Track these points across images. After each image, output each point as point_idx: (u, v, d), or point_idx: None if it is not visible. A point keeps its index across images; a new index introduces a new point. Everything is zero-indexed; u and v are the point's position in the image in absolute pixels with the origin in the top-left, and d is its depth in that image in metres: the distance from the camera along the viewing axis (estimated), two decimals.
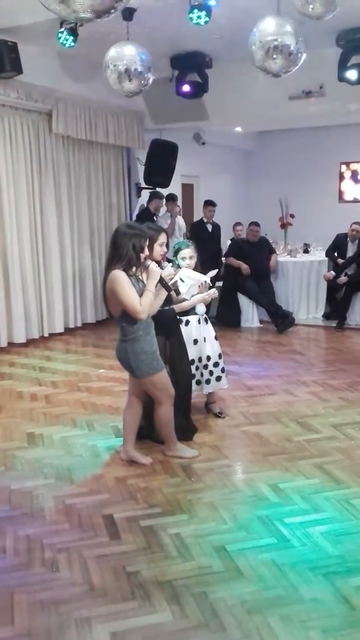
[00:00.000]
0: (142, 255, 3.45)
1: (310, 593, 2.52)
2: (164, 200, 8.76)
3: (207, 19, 5.05)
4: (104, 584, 2.61)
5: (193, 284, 4.10)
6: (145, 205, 9.15)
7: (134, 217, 8.97)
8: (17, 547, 2.91)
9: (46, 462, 3.87)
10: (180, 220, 9.16)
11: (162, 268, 3.69)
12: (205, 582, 2.60)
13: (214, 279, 4.34)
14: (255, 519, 3.12)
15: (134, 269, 3.45)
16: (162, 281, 3.55)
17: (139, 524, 3.08)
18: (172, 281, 3.82)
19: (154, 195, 8.69)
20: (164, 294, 3.64)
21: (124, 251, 3.38)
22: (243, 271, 7.98)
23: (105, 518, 3.15)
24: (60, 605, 2.47)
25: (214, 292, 4.36)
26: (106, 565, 2.74)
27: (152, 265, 3.51)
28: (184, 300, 4.15)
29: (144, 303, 3.41)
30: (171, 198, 8.96)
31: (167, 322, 3.90)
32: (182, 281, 4.08)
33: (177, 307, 4.14)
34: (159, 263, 3.81)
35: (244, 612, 2.40)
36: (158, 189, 8.92)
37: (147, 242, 3.49)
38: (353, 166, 11.46)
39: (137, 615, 2.41)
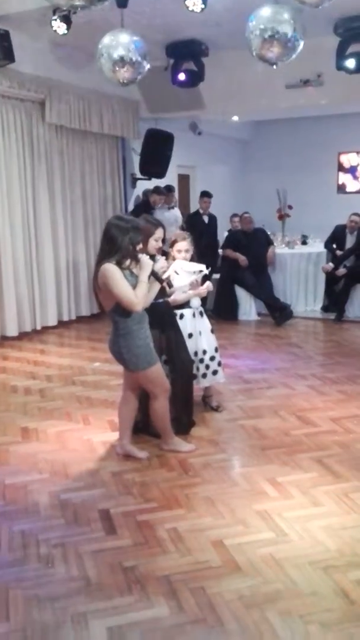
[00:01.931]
0: (137, 249, 3.40)
1: (308, 587, 2.50)
2: (163, 196, 8.68)
3: (203, 6, 4.97)
4: (100, 579, 2.59)
5: (187, 284, 4.05)
6: (142, 196, 9.10)
7: (130, 208, 8.91)
8: (12, 542, 2.88)
9: (41, 457, 3.83)
10: (177, 212, 9.10)
11: (155, 261, 3.64)
12: (203, 577, 2.58)
13: (210, 271, 4.29)
14: (253, 513, 3.09)
15: (127, 262, 3.40)
16: (154, 273, 3.50)
17: (136, 519, 3.05)
18: (167, 274, 3.77)
19: (154, 191, 8.61)
20: (156, 286, 3.59)
21: (119, 244, 3.34)
22: (241, 263, 7.93)
23: (101, 513, 3.12)
24: (56, 600, 2.45)
25: (209, 285, 4.31)
26: (102, 560, 2.72)
27: (144, 257, 3.46)
28: (174, 292, 4.10)
29: (139, 294, 3.36)
30: (168, 189, 8.90)
31: (161, 315, 3.86)
32: (177, 274, 4.03)
33: (171, 301, 4.09)
34: (152, 257, 3.76)
35: (242, 607, 2.38)
36: (155, 181, 8.86)
37: (142, 236, 3.44)
38: (351, 157, 11.40)
39: (134, 610, 2.39)
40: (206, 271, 4.20)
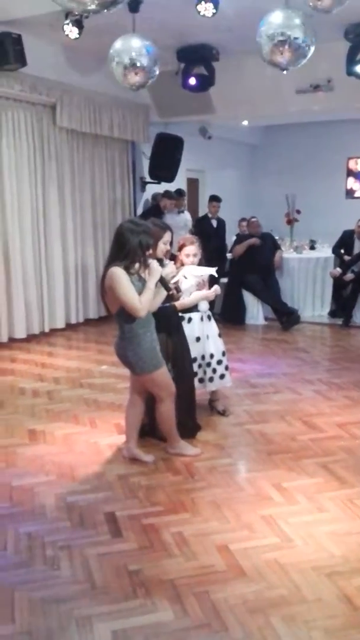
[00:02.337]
0: (148, 254, 3.41)
1: (313, 593, 2.49)
2: (174, 200, 8.70)
3: (214, 10, 5.00)
4: (106, 582, 2.59)
5: (193, 284, 4.06)
6: (151, 200, 9.11)
7: (139, 212, 8.93)
8: (18, 544, 2.89)
9: (48, 459, 3.85)
10: (187, 215, 9.11)
11: (163, 266, 3.65)
12: (208, 582, 2.58)
13: (217, 275, 4.29)
14: (258, 518, 3.09)
15: (136, 266, 3.41)
16: (162, 280, 3.51)
17: (141, 522, 3.06)
18: (175, 279, 3.78)
19: (165, 195, 8.63)
20: (163, 293, 3.60)
21: (130, 249, 3.34)
22: (253, 242, 7.90)
23: (107, 516, 3.13)
24: (61, 603, 2.46)
25: (216, 289, 4.32)
26: (108, 563, 2.72)
27: (153, 263, 3.46)
28: (183, 297, 4.11)
29: (144, 300, 3.37)
30: (178, 193, 8.92)
31: (168, 320, 3.86)
32: (186, 278, 4.04)
33: (179, 305, 4.10)
34: (160, 261, 3.76)
35: (246, 612, 2.38)
36: (164, 185, 8.87)
37: (153, 240, 3.45)
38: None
39: (139, 614, 2.39)
40: (215, 274, 4.20)
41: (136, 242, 3.33)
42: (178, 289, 3.84)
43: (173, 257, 4.24)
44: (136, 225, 3.43)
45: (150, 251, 3.48)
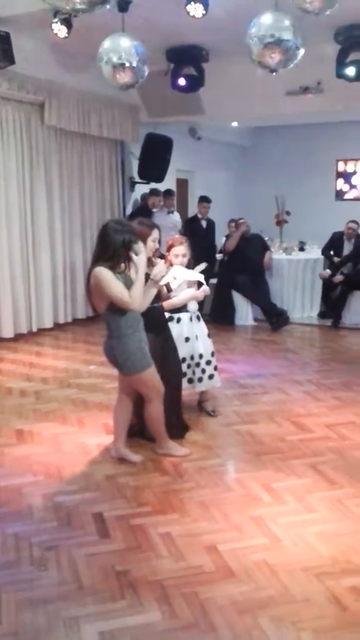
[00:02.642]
0: (131, 252, 3.40)
1: (302, 594, 2.49)
2: (161, 197, 8.71)
3: (204, 11, 5.00)
4: (93, 583, 2.57)
5: (182, 284, 4.06)
6: (140, 200, 9.10)
7: (128, 212, 8.91)
8: (5, 545, 2.87)
9: (35, 459, 3.82)
10: (176, 216, 9.11)
11: (153, 265, 3.64)
12: (196, 582, 2.57)
13: (207, 276, 4.30)
14: (247, 518, 3.08)
15: (122, 266, 3.40)
16: (147, 276, 3.50)
17: (129, 523, 3.04)
18: (165, 281, 3.78)
19: (152, 192, 8.64)
20: (153, 290, 3.60)
21: (113, 248, 3.34)
22: (245, 232, 7.90)
23: (95, 516, 3.11)
24: (49, 604, 2.44)
25: (206, 289, 4.31)
26: (95, 564, 2.70)
27: (137, 257, 3.45)
28: (174, 297, 4.10)
29: (134, 294, 3.37)
30: (168, 193, 8.92)
31: (155, 319, 3.85)
32: (175, 279, 4.03)
33: (167, 305, 4.09)
34: (149, 260, 3.77)
35: (234, 613, 2.37)
36: (154, 185, 8.87)
37: (138, 240, 3.44)
38: (349, 164, 11.43)
39: (126, 615, 2.37)
40: (203, 280, 4.20)
41: (120, 241, 3.33)
42: (169, 289, 3.83)
43: (162, 257, 4.23)
44: (120, 225, 3.45)
45: (132, 252, 3.47)
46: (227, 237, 8.83)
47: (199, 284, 4.32)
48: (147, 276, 3.56)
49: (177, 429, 4.09)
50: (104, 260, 3.36)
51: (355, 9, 5.71)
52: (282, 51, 4.39)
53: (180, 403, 4.19)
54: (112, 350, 3.52)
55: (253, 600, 2.45)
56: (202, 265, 4.27)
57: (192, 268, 4.24)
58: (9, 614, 2.38)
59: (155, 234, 3.77)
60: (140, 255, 3.46)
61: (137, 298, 3.40)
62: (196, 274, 4.16)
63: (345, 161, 11.46)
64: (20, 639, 2.26)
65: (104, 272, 3.33)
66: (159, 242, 3.89)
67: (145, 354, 3.53)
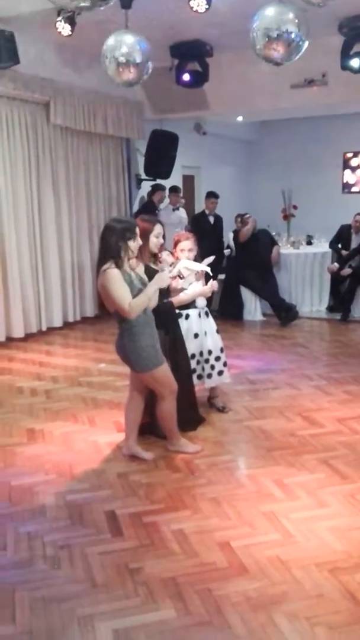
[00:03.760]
0: (134, 245, 3.40)
1: (315, 589, 2.48)
2: (167, 192, 8.70)
3: (207, 6, 4.97)
4: (107, 580, 2.58)
5: (190, 274, 4.05)
6: (146, 197, 9.09)
7: (135, 210, 8.91)
8: (18, 544, 2.88)
9: (47, 458, 3.83)
10: (182, 213, 9.09)
11: (160, 260, 3.65)
12: (209, 579, 2.57)
13: (215, 272, 4.29)
14: (259, 514, 3.08)
15: (126, 262, 3.41)
16: (165, 291, 3.52)
17: (142, 520, 3.05)
18: (173, 272, 3.77)
19: (157, 187, 8.64)
20: (156, 296, 3.60)
21: (111, 246, 3.35)
22: (254, 222, 7.87)
23: (107, 514, 3.12)
24: (62, 602, 2.45)
25: (214, 284, 4.29)
26: (108, 562, 2.71)
27: (163, 274, 3.49)
28: (182, 289, 4.09)
29: (134, 304, 3.36)
30: (174, 190, 8.90)
31: (166, 316, 3.85)
32: (182, 278, 4.01)
33: (176, 301, 4.08)
34: (155, 255, 3.78)
35: (248, 609, 2.37)
36: (159, 181, 8.85)
37: (136, 234, 3.43)
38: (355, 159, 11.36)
39: (140, 612, 2.38)
40: (209, 271, 4.19)
41: (113, 238, 3.35)
42: (181, 276, 3.82)
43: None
44: (119, 222, 3.48)
45: (140, 243, 3.47)
46: (235, 232, 8.80)
47: (206, 279, 4.31)
48: (155, 272, 3.57)
49: (190, 422, 4.10)
50: (108, 259, 3.37)
51: (358, 0, 5.66)
52: (286, 44, 4.34)
53: (194, 397, 4.21)
54: (124, 348, 3.52)
55: (267, 596, 2.45)
56: (210, 259, 4.26)
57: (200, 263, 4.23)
58: (23, 613, 2.39)
59: (157, 229, 3.75)
60: (159, 275, 3.47)
61: (137, 309, 3.38)
62: (203, 265, 4.14)
63: (355, 154, 11.37)
64: (35, 638, 2.27)
65: (112, 273, 3.34)
66: (164, 237, 3.87)
67: (157, 351, 3.53)
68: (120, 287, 3.33)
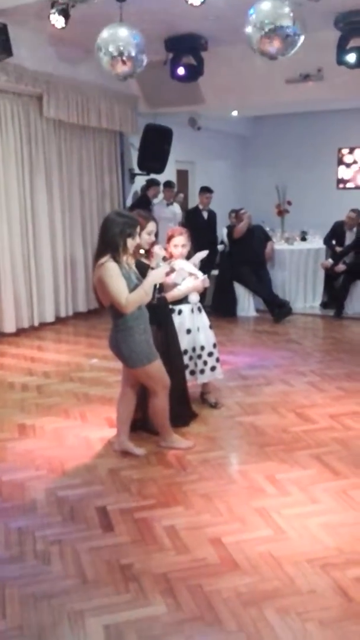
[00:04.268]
0: (132, 243, 3.38)
1: (307, 585, 2.48)
2: (161, 187, 8.67)
3: None
4: (97, 576, 2.57)
5: (185, 277, 4.05)
6: (140, 192, 9.06)
7: (128, 204, 8.87)
8: (9, 539, 2.87)
9: (38, 454, 3.82)
10: (176, 208, 9.07)
11: (152, 255, 3.64)
12: (201, 575, 2.56)
13: (208, 267, 4.28)
14: (251, 510, 3.07)
15: (124, 257, 3.39)
16: (159, 287, 3.51)
17: (133, 516, 3.04)
18: (165, 269, 3.76)
19: (151, 182, 8.60)
20: (150, 290, 3.58)
21: (112, 239, 3.33)
22: (249, 217, 7.85)
23: (98, 510, 3.11)
24: (53, 598, 2.44)
25: (205, 280, 4.27)
26: (99, 557, 2.70)
27: (159, 269, 3.47)
28: (175, 285, 4.08)
29: (131, 298, 3.34)
30: (168, 185, 8.87)
31: (159, 311, 3.84)
32: (175, 269, 4.00)
33: (169, 296, 4.08)
34: (147, 251, 3.76)
35: (239, 605, 2.37)
36: (153, 175, 8.82)
37: (137, 230, 3.42)
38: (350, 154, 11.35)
39: (131, 608, 2.37)
40: (204, 255, 4.20)
41: (117, 231, 3.33)
42: (172, 270, 3.82)
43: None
44: (120, 215, 3.45)
45: (137, 241, 3.45)
46: (229, 227, 8.79)
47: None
48: (147, 267, 3.55)
49: (183, 417, 4.09)
50: (105, 252, 3.35)
51: None
52: (281, 38, 4.34)
53: (187, 393, 4.20)
54: (117, 343, 3.50)
55: (258, 592, 2.45)
56: (203, 253, 4.25)
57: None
58: (13, 609, 2.38)
59: (151, 226, 3.75)
60: (156, 270, 3.46)
61: (134, 304, 3.37)
62: (197, 271, 4.14)
63: (350, 149, 11.37)
64: (25, 634, 2.25)
65: (109, 267, 3.32)
66: (157, 234, 3.86)
67: (150, 346, 3.52)
68: (117, 281, 3.31)
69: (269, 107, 9.46)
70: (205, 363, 4.40)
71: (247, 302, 8.05)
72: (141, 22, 5.33)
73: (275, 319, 7.65)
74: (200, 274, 4.15)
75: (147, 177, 8.85)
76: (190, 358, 4.35)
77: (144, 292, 3.40)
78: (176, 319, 4.22)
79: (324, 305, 8.27)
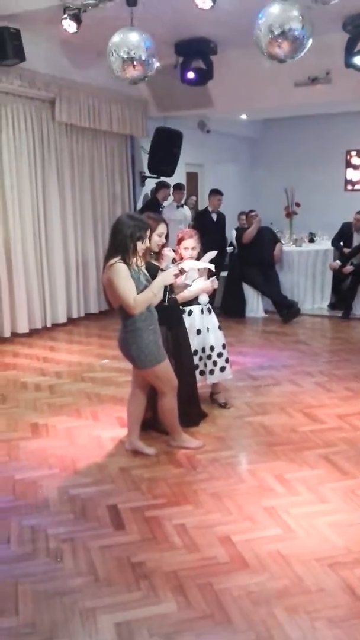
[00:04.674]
0: (141, 246, 3.42)
1: (316, 584, 2.50)
2: (171, 189, 8.71)
3: (212, 3, 4.98)
4: (109, 574, 2.60)
5: (195, 277, 4.07)
6: (150, 194, 9.10)
7: (138, 207, 8.92)
8: (22, 537, 2.91)
9: (50, 453, 3.86)
10: (186, 210, 9.10)
11: (162, 257, 3.67)
12: (211, 573, 2.59)
13: (217, 269, 4.30)
14: (260, 509, 3.10)
15: (134, 259, 3.42)
16: (169, 288, 3.54)
17: (144, 515, 3.07)
18: (175, 271, 3.80)
19: (161, 185, 8.64)
20: (160, 294, 3.62)
21: (122, 241, 3.36)
22: (259, 221, 7.87)
23: (110, 508, 3.14)
24: (65, 595, 2.47)
25: (214, 282, 4.29)
26: (110, 555, 2.73)
27: (169, 271, 3.50)
28: (186, 286, 4.11)
29: (139, 300, 3.38)
30: (178, 187, 8.90)
31: (170, 313, 3.87)
32: (185, 271, 4.03)
33: (180, 297, 4.11)
34: (157, 253, 3.80)
35: (249, 603, 2.39)
36: (163, 178, 8.86)
37: (147, 233, 3.45)
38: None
39: (142, 605, 2.40)
40: (213, 268, 4.21)
41: (127, 233, 3.35)
42: (182, 271, 3.85)
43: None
44: (131, 218, 3.47)
45: (147, 244, 3.49)
46: (238, 229, 8.81)
47: (209, 274, 4.33)
48: (156, 268, 3.59)
49: (192, 417, 4.12)
50: (116, 254, 3.38)
51: None
52: (290, 41, 4.35)
53: (196, 394, 4.23)
54: (127, 344, 3.54)
55: (267, 590, 2.47)
56: (212, 254, 4.27)
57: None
58: (26, 606, 2.41)
59: (161, 228, 3.77)
60: (165, 272, 3.50)
61: (142, 305, 3.40)
62: (205, 263, 4.16)
63: (358, 152, 11.36)
64: (37, 631, 2.29)
65: (118, 268, 3.35)
66: (167, 236, 3.88)
67: (159, 347, 3.55)
68: (126, 282, 3.34)
69: (278, 110, 9.47)
70: (214, 363, 4.44)
71: (256, 303, 8.07)
72: (151, 26, 5.36)
73: (284, 319, 7.67)
74: (210, 266, 4.16)
75: (157, 180, 8.89)
76: (200, 358, 4.38)
77: (153, 294, 3.43)
78: (186, 319, 4.26)
79: (332, 306, 8.28)
